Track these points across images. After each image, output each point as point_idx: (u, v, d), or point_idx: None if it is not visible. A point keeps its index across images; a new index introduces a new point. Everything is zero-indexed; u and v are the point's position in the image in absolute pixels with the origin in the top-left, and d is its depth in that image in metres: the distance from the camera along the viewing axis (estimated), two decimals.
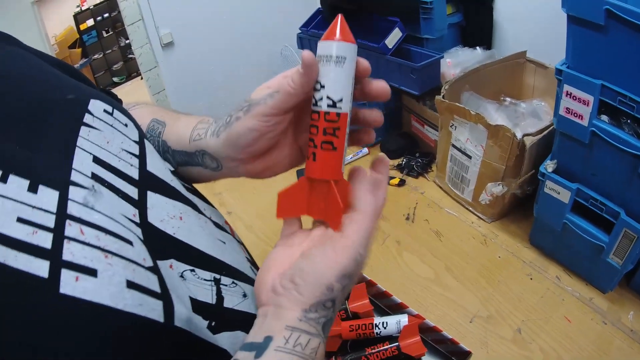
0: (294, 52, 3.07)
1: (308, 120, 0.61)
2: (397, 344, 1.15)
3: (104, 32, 6.87)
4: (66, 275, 0.40)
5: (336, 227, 0.58)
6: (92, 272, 0.42)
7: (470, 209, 1.92)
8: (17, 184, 0.42)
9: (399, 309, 1.28)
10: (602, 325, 1.45)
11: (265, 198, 2.06)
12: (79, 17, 6.54)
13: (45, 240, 0.41)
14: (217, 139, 0.65)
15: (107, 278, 0.42)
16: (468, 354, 1.18)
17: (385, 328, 1.19)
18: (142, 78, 3.39)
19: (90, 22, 6.70)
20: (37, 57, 0.63)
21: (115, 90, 0.65)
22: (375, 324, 1.19)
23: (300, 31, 2.66)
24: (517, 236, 1.79)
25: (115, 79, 7.09)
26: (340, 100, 0.57)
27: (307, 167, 0.60)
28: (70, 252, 0.41)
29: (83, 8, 6.55)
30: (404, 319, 1.18)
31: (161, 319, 0.46)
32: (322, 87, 0.57)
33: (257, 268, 0.79)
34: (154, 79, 3.24)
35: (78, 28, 6.59)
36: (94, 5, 6.61)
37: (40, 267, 0.39)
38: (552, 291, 1.57)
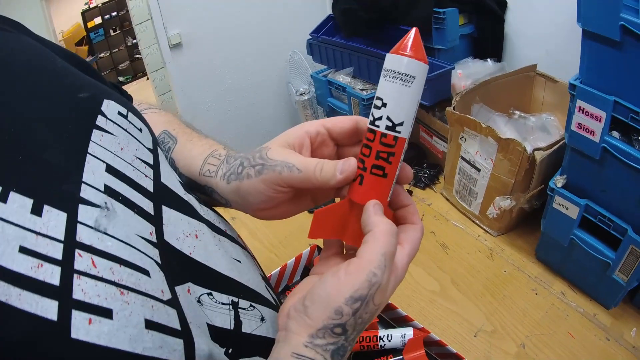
0: (303, 58, 3.06)
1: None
2: (401, 357, 1.14)
3: (111, 31, 6.91)
4: (78, 317, 0.36)
5: None
6: (107, 313, 0.38)
7: (477, 222, 1.90)
8: (18, 204, 0.37)
9: (403, 321, 1.27)
10: (605, 342, 1.43)
11: None
12: (86, 15, 6.56)
13: (52, 275, 0.37)
14: (227, 185, 0.64)
15: (124, 319, 0.39)
16: None
17: (389, 341, 1.18)
18: (147, 78, 3.39)
19: (98, 20, 6.74)
20: (49, 48, 0.58)
21: None
22: (380, 337, 1.19)
23: (310, 37, 2.65)
24: (523, 251, 1.77)
25: (121, 78, 7.13)
26: (401, 124, 0.54)
27: (351, 188, 0.58)
28: (82, 289, 0.38)
29: (91, 6, 6.57)
30: (409, 332, 1.18)
31: None
32: (384, 105, 0.53)
33: (270, 286, 0.77)
34: (160, 79, 3.23)
35: (85, 25, 6.62)
36: (102, 4, 6.64)
37: (48, 308, 0.35)
38: (556, 306, 1.56)
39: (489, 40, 2.31)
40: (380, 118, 0.54)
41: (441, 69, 2.02)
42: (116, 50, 7.02)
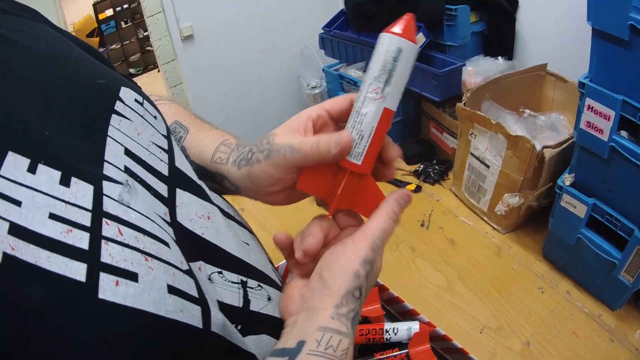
0: (315, 53, 3.06)
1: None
2: (406, 351, 1.14)
3: (122, 23, 6.93)
4: (105, 279, 0.38)
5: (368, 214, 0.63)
6: (133, 277, 0.40)
7: (485, 218, 1.90)
8: (47, 175, 0.39)
9: (410, 315, 1.28)
10: (609, 343, 1.43)
11: None
12: (98, 7, 6.57)
13: (81, 240, 0.38)
14: (238, 170, 0.67)
15: (148, 282, 0.41)
16: None
17: (395, 334, 1.18)
18: (159, 71, 3.40)
19: (109, 12, 6.76)
20: (66, 37, 0.61)
21: None
22: (386, 330, 1.18)
23: (322, 31, 2.65)
24: (530, 249, 1.78)
25: (131, 70, 7.14)
26: None
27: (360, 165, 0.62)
28: (109, 254, 0.39)
29: None
30: (415, 326, 1.17)
31: (200, 325, 0.45)
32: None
33: (276, 269, 0.81)
34: (172, 72, 3.24)
35: (97, 17, 6.63)
36: None
37: (77, 270, 0.37)
38: (562, 306, 1.56)
39: (500, 38, 2.31)
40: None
41: (452, 66, 2.03)
42: (127, 42, 7.03)
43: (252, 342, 0.58)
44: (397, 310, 1.32)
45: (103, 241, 0.40)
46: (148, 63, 7.13)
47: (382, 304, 1.30)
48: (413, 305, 1.28)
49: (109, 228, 0.41)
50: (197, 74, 3.25)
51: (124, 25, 6.89)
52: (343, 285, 0.56)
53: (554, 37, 2.21)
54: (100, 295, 0.37)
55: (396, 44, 0.59)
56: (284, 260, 1.38)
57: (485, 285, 1.65)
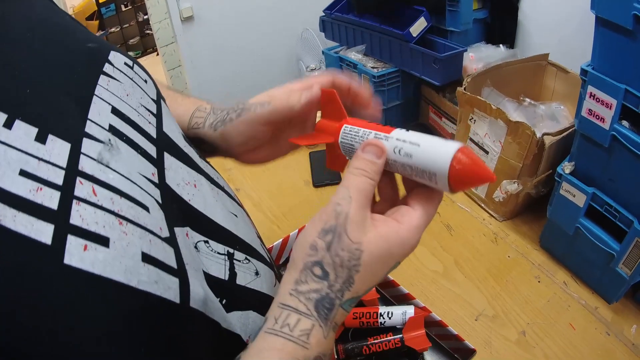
0: (315, 36, 3.05)
1: (299, 123, 0.71)
2: (400, 335, 1.13)
3: (122, 6, 6.89)
4: (73, 242, 0.35)
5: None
6: (104, 241, 0.37)
7: (483, 205, 1.90)
8: (23, 131, 0.37)
9: (405, 299, 1.26)
10: (606, 336, 1.42)
11: (276, 176, 2.01)
12: None
13: (51, 199, 0.36)
14: (214, 132, 0.70)
15: (121, 249, 0.38)
16: (473, 352, 1.15)
17: (390, 318, 1.17)
18: (157, 54, 3.39)
19: None
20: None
21: None
22: (380, 314, 1.17)
23: (323, 14, 2.63)
24: (527, 237, 1.77)
25: (130, 53, 7.06)
26: None
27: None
28: (80, 215, 0.37)
29: None
30: (410, 310, 1.16)
31: (177, 300, 0.42)
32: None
33: (264, 245, 0.79)
34: (171, 54, 3.24)
35: (97, 0, 6.60)
36: None
37: (43, 232, 0.34)
38: (558, 296, 1.55)
39: (502, 26, 2.31)
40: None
41: (453, 51, 2.02)
42: (127, 25, 7.00)
43: (238, 319, 0.56)
44: (391, 294, 1.31)
45: (74, 201, 0.37)
46: (147, 46, 7.11)
47: (376, 287, 1.29)
48: (408, 289, 1.27)
49: (82, 187, 0.39)
50: (196, 55, 3.23)
51: (124, 9, 6.86)
52: (300, 259, 0.52)
53: (556, 27, 2.20)
54: (66, 261, 0.34)
55: (444, 180, 0.52)
56: (278, 241, 1.37)
57: (481, 272, 1.64)
